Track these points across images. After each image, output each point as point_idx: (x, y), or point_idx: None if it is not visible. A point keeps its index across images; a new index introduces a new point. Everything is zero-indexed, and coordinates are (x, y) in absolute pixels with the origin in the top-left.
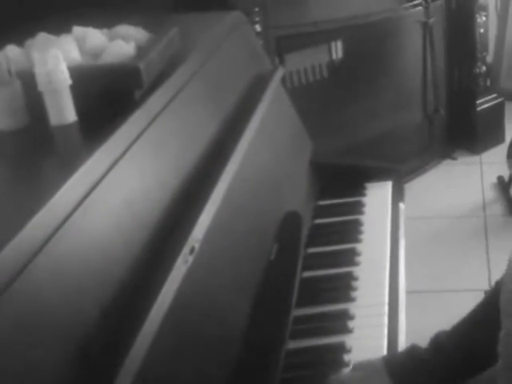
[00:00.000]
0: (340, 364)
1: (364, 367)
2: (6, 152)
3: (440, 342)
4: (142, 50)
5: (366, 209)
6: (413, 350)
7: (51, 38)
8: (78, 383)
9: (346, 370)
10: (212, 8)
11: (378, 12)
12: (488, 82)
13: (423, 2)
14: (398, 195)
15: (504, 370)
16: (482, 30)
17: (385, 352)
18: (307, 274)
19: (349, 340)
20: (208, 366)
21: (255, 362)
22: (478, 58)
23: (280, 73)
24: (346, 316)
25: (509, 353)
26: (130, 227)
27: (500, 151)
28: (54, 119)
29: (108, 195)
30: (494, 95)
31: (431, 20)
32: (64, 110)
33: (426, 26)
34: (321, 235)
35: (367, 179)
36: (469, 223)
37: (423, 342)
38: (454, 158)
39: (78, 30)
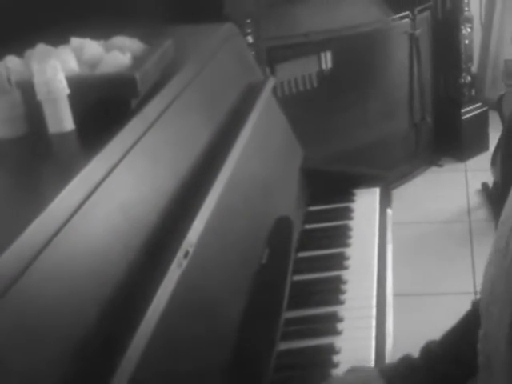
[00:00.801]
0: (329, 364)
1: (359, 371)
2: (6, 159)
3: (430, 351)
4: (137, 61)
5: (355, 214)
6: (406, 359)
7: (50, 48)
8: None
9: (339, 373)
10: (206, 20)
11: (366, 23)
12: (473, 92)
13: (410, 14)
14: (385, 201)
15: (482, 368)
16: (467, 42)
17: (373, 353)
18: (298, 277)
19: (338, 341)
20: (201, 366)
21: (248, 362)
22: (463, 69)
23: (271, 82)
24: (335, 318)
25: (486, 351)
26: (126, 232)
27: (484, 159)
28: (52, 127)
29: (105, 201)
30: (479, 104)
31: (418, 31)
32: (62, 119)
33: (412, 37)
34: (311, 240)
35: (356, 186)
36: (454, 228)
37: (410, 343)
38: (440, 165)
39: (75, 41)
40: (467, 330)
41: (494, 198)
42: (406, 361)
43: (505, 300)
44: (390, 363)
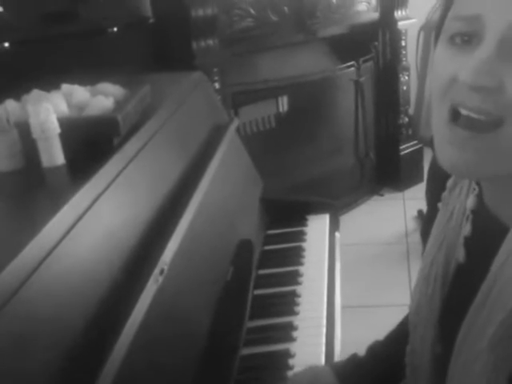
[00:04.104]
0: (285, 367)
1: (313, 368)
2: (5, 189)
3: (373, 349)
4: (119, 104)
5: (308, 237)
6: (353, 357)
7: (43, 93)
8: None
9: (295, 372)
10: (179, 69)
11: (317, 72)
12: (409, 131)
13: (355, 64)
14: (334, 226)
15: (409, 379)
16: (404, 88)
17: (323, 357)
18: (258, 291)
19: (293, 347)
20: (173, 368)
21: (215, 365)
22: (401, 111)
23: (235, 123)
24: (290, 327)
25: (413, 364)
26: (109, 252)
27: (419, 189)
28: (45, 162)
29: (91, 226)
30: (415, 142)
31: (362, 79)
32: (54, 155)
33: (357, 84)
34: (269, 259)
35: (308, 212)
36: (393, 249)
37: (356, 348)
38: (382, 195)
39: (65, 87)
40: (405, 332)
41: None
42: (353, 359)
43: (428, 321)
44: (339, 361)
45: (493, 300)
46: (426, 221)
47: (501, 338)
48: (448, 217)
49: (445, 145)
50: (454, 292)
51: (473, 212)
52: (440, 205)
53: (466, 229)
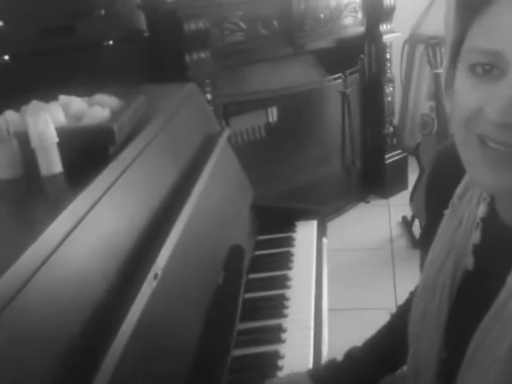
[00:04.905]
0: (275, 368)
1: (292, 375)
2: (5, 196)
3: (351, 353)
4: (115, 115)
5: (296, 242)
6: (331, 361)
7: (42, 104)
8: None
9: (283, 375)
10: (172, 80)
11: (305, 83)
12: (394, 141)
13: (342, 76)
14: (321, 231)
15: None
16: (389, 99)
17: (311, 358)
18: (249, 295)
19: (282, 348)
20: (167, 369)
21: (207, 365)
22: (386, 121)
23: (226, 133)
24: (279, 329)
25: (415, 369)
26: (106, 257)
27: (404, 196)
28: (44, 170)
29: (88, 232)
30: (399, 151)
31: (349, 90)
32: (52, 163)
33: (344, 95)
34: (259, 264)
35: (297, 219)
36: (379, 254)
37: (342, 350)
38: (367, 202)
39: (63, 98)
40: (385, 336)
41: (413, 228)
42: (331, 363)
43: (434, 329)
44: (317, 366)
45: (510, 311)
46: (427, 229)
47: None
48: (456, 224)
49: (478, 165)
50: (462, 299)
51: (482, 220)
52: (447, 212)
53: (476, 237)
